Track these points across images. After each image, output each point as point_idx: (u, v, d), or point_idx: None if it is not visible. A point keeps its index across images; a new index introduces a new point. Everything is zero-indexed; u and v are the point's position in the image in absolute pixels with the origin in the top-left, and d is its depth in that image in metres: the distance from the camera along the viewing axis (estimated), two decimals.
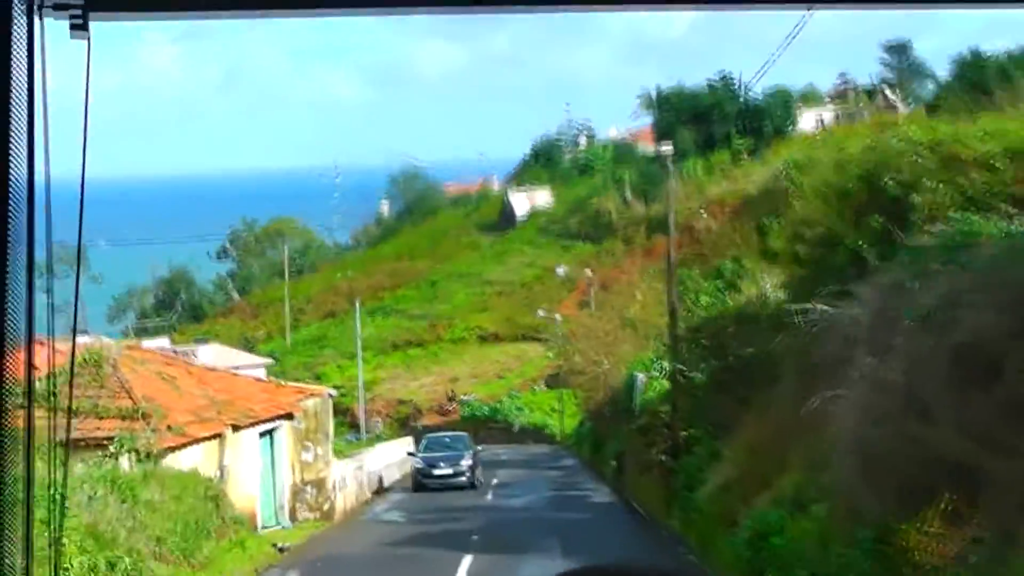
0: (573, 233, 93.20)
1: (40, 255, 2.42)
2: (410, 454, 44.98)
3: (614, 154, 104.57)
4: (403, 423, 79.52)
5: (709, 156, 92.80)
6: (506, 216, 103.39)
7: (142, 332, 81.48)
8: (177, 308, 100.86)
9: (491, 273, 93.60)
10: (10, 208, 2.32)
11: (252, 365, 73.46)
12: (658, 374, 34.42)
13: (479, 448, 45.19)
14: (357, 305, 74.05)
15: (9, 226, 2.32)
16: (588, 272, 60.61)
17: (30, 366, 2.44)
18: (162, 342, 67.87)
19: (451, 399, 78.89)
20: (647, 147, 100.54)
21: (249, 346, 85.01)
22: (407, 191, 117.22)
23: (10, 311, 2.35)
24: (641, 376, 35.41)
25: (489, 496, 38.37)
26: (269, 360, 77.68)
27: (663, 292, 51.76)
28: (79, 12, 2.46)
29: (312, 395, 33.01)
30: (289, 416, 31.16)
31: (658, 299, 50.82)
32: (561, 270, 67.05)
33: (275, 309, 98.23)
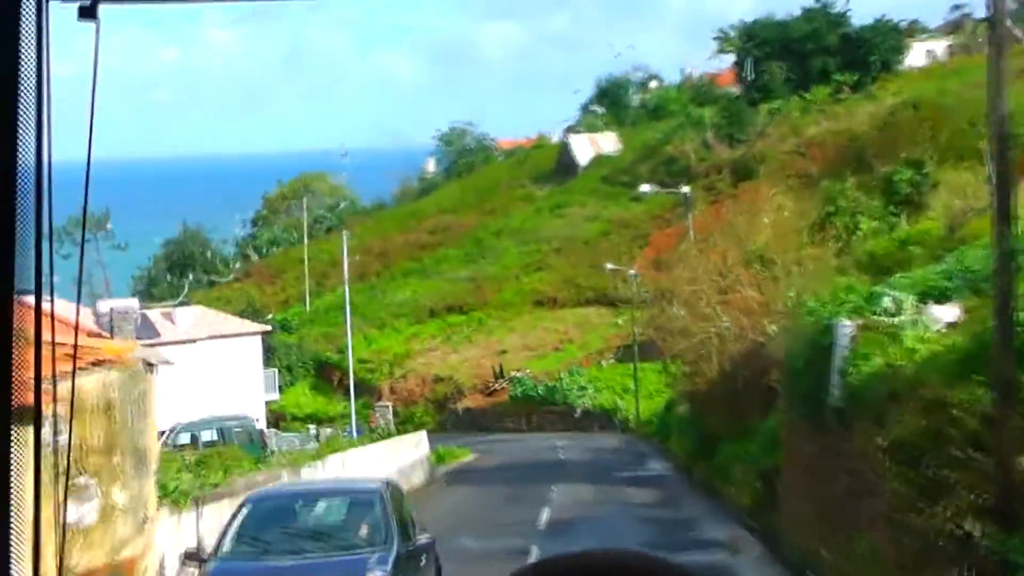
0: (643, 181, 76.09)
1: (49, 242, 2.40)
2: (190, 558, 14.02)
3: (691, 95, 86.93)
4: (440, 405, 64.13)
5: (803, 94, 78.19)
6: (565, 164, 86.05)
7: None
8: (165, 271, 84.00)
9: (547, 228, 78.64)
10: (17, 190, 2.30)
11: (244, 333, 55.97)
12: (903, 319, 14.86)
13: (427, 536, 14.88)
14: (345, 263, 56.20)
15: (16, 207, 2.30)
16: (686, 190, 41.23)
17: (38, 348, 2.35)
18: (130, 304, 52.70)
19: (499, 376, 64.03)
20: (728, 89, 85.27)
21: (258, 314, 67.06)
22: (455, 147, 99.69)
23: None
24: (848, 326, 15.81)
25: None
26: (267, 328, 59.96)
27: (808, 211, 33.10)
28: None
29: (99, 362, 12.88)
30: (21, 415, 11.76)
31: (792, 226, 32.14)
32: (647, 187, 48.44)
33: (297, 272, 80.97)
